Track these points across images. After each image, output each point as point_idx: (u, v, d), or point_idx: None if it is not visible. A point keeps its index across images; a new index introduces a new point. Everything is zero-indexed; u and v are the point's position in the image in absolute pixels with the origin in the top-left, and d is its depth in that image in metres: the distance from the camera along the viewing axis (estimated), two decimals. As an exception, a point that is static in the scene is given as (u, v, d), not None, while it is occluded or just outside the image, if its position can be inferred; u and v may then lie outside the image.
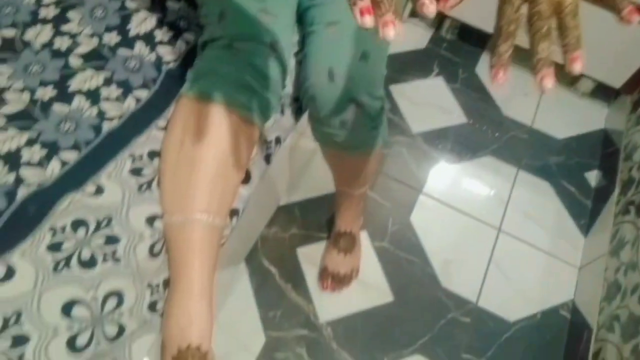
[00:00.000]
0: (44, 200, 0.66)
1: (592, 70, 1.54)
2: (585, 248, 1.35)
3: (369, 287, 1.23)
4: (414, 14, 1.69)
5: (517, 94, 1.60)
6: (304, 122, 0.96)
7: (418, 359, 1.14)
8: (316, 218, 1.30)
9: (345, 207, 1.16)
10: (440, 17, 1.65)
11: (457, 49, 1.67)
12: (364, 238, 1.29)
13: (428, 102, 1.55)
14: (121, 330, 0.64)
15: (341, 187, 1.10)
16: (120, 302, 0.65)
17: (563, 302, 1.27)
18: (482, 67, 1.64)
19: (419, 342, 1.16)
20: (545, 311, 1.25)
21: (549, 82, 0.43)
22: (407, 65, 1.61)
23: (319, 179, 1.33)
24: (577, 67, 0.43)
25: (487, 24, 1.53)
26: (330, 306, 1.18)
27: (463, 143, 1.48)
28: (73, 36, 0.80)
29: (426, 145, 1.46)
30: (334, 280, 1.21)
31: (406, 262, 1.27)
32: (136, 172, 0.72)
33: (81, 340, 0.61)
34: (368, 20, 0.39)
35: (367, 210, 1.30)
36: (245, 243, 1.24)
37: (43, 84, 0.75)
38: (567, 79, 1.63)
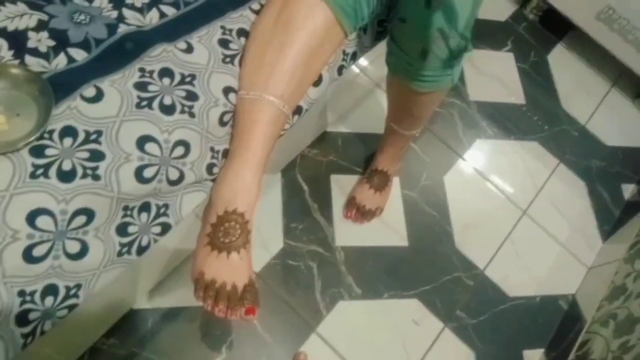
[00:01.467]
0: (141, 41, 0.70)
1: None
2: (601, 252, 1.38)
3: (388, 228, 1.28)
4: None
5: (579, 90, 1.59)
6: (376, 51, 0.98)
7: (415, 302, 1.20)
8: (356, 152, 1.34)
9: (390, 145, 1.19)
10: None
11: (536, 32, 1.65)
12: (395, 183, 1.33)
13: (492, 74, 1.55)
14: (181, 177, 0.70)
15: (393, 124, 1.13)
16: (186, 153, 0.70)
17: (564, 294, 1.31)
18: (555, 56, 1.62)
19: (420, 288, 1.22)
20: (545, 297, 1.29)
21: None
22: (483, 33, 1.60)
23: (369, 117, 1.36)
24: None
25: (573, 13, 1.50)
26: (348, 234, 1.24)
27: (515, 122, 1.49)
28: None
29: (478, 115, 1.48)
30: (359, 211, 1.26)
31: (429, 215, 1.32)
32: (224, 43, 0.76)
33: (148, 173, 0.66)
34: None
35: (406, 159, 1.33)
36: (286, 155, 1.29)
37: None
38: (633, 90, 1.61)
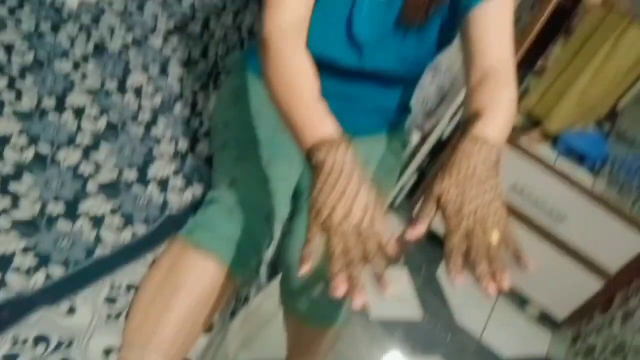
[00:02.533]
0: (18, 309, 0.68)
1: (539, 298, 1.68)
2: None
3: None
4: (390, 206, 1.88)
5: (470, 303, 1.71)
6: (272, 285, 1.03)
7: None
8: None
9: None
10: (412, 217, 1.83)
11: (425, 248, 1.83)
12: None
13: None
14: None
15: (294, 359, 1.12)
16: None
17: None
18: (443, 270, 1.77)
19: None
20: None
21: (492, 288, 0.53)
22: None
23: (272, 344, 1.34)
24: (492, 289, 0.54)
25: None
26: None
27: (415, 338, 1.54)
28: (98, 165, 0.90)
29: (380, 331, 1.51)
30: None
31: None
32: (111, 300, 0.76)
33: None
34: (341, 291, 0.51)
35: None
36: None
37: (56, 199, 0.82)
38: (517, 299, 1.76)
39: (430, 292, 1.69)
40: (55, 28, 1.15)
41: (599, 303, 1.55)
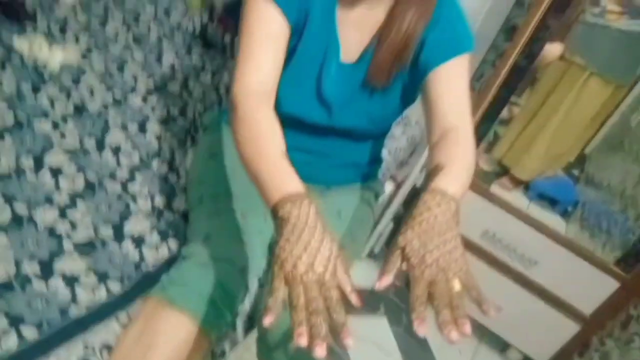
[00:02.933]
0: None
1: (520, 343, 1.69)
2: None
3: None
4: (370, 254, 1.90)
5: (451, 349, 1.71)
6: (249, 337, 1.03)
7: None
8: None
9: None
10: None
11: (404, 296, 1.83)
12: None
13: (369, 339, 1.63)
14: None
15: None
16: None
17: None
18: (423, 317, 1.78)
19: None
20: None
21: (454, 335, 0.57)
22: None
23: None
24: (454, 335, 0.57)
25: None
26: None
27: (397, 389, 1.52)
28: (74, 224, 0.92)
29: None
30: None
31: None
32: (83, 361, 0.76)
33: None
34: (303, 341, 0.54)
35: None
36: None
37: (31, 259, 0.83)
38: (499, 345, 1.77)
39: (411, 338, 1.69)
40: (36, 89, 1.19)
41: (577, 346, 1.56)
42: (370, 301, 1.77)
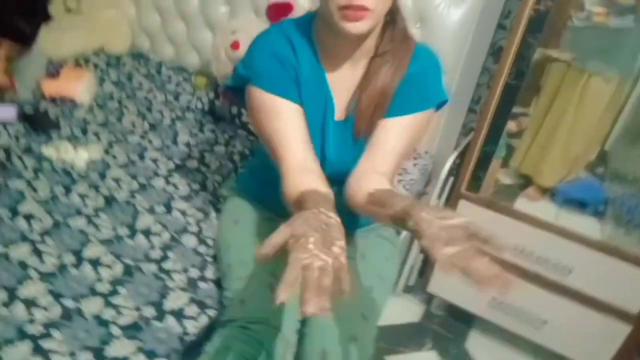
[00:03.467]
0: None
1: (576, 354, 1.63)
2: None
3: None
4: (407, 289, 1.90)
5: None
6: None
7: None
8: None
9: None
10: (430, 295, 1.85)
11: (448, 325, 1.82)
12: None
13: (421, 376, 1.62)
14: None
15: None
16: None
17: None
18: (472, 344, 1.75)
19: None
20: None
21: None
22: (402, 338, 1.73)
23: None
24: None
25: (471, 305, 1.72)
26: None
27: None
28: (118, 309, 0.98)
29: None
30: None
31: None
32: None
33: None
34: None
35: None
36: None
37: (84, 349, 0.89)
38: (557, 359, 1.72)
39: (464, 369, 1.66)
40: (68, 190, 1.29)
41: (633, 346, 1.51)
42: (416, 336, 1.76)
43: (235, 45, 1.68)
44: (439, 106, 1.01)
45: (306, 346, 0.94)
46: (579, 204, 1.88)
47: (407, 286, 1.90)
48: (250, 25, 1.71)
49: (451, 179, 1.73)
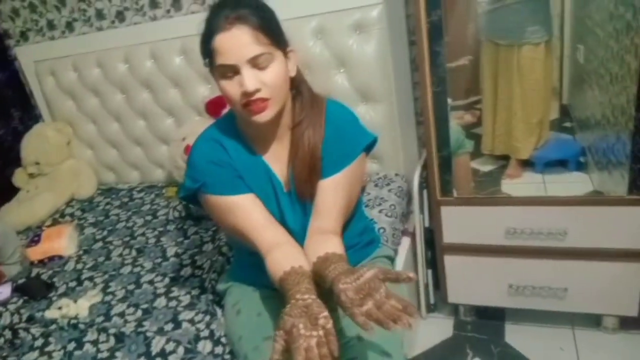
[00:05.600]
0: None
1: (606, 308, 1.64)
2: None
3: None
4: (430, 309, 1.91)
5: (555, 351, 1.67)
6: None
7: None
8: None
9: None
10: (454, 305, 1.86)
11: (482, 327, 1.82)
12: None
13: (475, 386, 1.61)
14: None
15: None
16: None
17: None
18: (510, 336, 1.76)
19: None
20: None
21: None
22: (444, 357, 1.74)
23: None
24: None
25: (493, 300, 1.73)
26: None
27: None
28: None
29: None
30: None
31: None
32: None
33: None
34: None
35: None
36: None
37: None
38: (592, 321, 1.72)
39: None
40: (79, 343, 1.34)
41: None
42: (457, 350, 1.76)
43: (188, 150, 1.78)
44: (369, 148, 1.09)
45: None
46: (560, 164, 1.92)
47: (429, 306, 1.92)
48: (197, 127, 1.81)
49: (425, 192, 1.79)
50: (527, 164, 1.97)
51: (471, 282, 1.75)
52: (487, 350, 1.73)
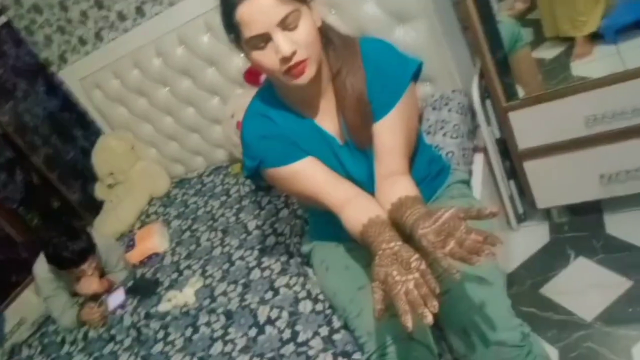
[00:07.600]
0: None
1: None
2: None
3: None
4: (520, 219, 1.85)
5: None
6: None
7: None
8: None
9: None
10: (546, 210, 1.78)
11: (580, 225, 1.74)
12: None
13: (585, 285, 1.55)
14: None
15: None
16: None
17: None
18: (612, 227, 1.66)
19: None
20: None
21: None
22: (546, 263, 1.68)
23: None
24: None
25: (586, 195, 1.63)
26: None
27: (643, 305, 1.41)
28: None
29: (608, 327, 1.41)
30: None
31: None
32: None
33: None
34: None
35: None
36: None
37: None
38: None
39: (618, 254, 1.56)
40: (194, 327, 1.44)
41: None
42: (558, 253, 1.69)
43: (239, 126, 1.80)
44: (416, 75, 1.02)
45: (446, 328, 0.99)
46: (636, 27, 1.72)
47: (518, 216, 1.85)
48: (241, 101, 1.82)
49: (488, 101, 1.69)
50: (596, 38, 1.78)
51: (558, 183, 1.65)
52: (589, 247, 1.65)
